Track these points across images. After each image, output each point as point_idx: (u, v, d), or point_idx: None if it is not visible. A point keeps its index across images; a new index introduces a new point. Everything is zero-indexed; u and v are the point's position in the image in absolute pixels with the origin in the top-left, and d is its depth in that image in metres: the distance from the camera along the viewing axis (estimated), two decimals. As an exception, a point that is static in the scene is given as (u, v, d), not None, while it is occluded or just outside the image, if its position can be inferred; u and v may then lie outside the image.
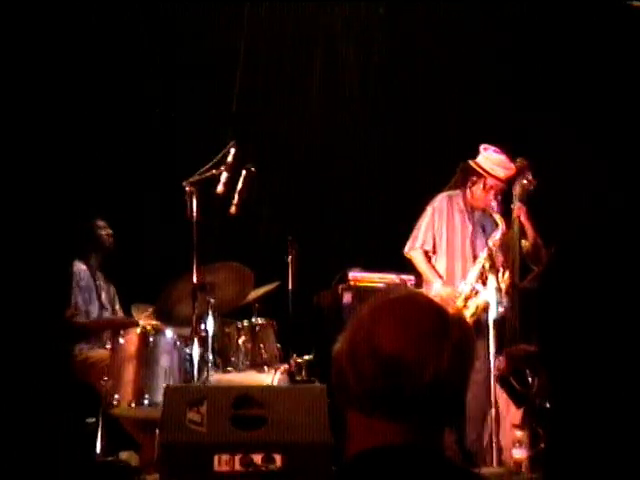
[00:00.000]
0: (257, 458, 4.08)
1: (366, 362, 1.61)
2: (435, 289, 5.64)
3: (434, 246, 5.79)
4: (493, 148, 5.73)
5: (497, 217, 5.68)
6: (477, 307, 5.51)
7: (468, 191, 5.81)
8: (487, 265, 5.41)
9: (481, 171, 5.71)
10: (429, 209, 5.83)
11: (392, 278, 6.25)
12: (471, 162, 5.77)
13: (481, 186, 5.73)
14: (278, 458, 4.09)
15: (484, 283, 5.36)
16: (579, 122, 6.49)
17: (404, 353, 1.59)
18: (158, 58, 6.96)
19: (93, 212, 5.91)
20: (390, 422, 1.61)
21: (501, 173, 5.67)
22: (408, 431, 1.61)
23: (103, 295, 5.81)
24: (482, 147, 5.76)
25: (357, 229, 6.89)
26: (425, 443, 1.62)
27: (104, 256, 5.86)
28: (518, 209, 5.56)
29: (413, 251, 5.80)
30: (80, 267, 5.73)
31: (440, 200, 5.85)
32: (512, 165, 5.65)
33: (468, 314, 5.47)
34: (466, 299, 5.56)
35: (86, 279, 5.70)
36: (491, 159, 5.71)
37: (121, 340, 5.19)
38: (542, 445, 4.85)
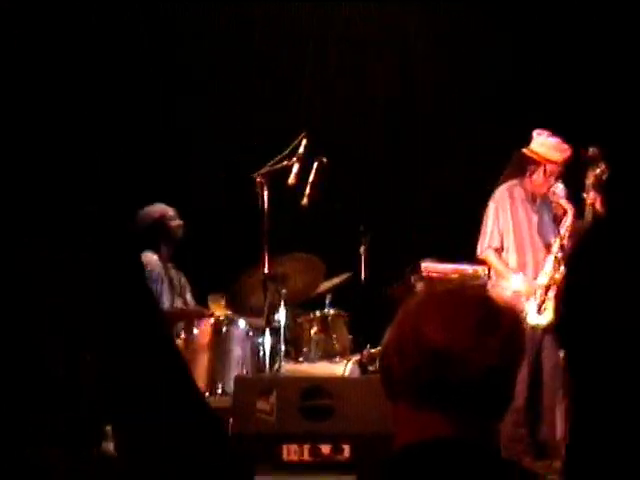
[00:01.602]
0: (325, 449, 4.10)
1: (413, 354, 1.60)
2: (514, 284, 5.56)
3: (502, 242, 5.70)
4: (546, 132, 5.61)
5: (564, 202, 5.58)
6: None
7: (528, 180, 5.70)
8: (559, 255, 5.32)
9: (537, 157, 5.59)
10: (491, 205, 5.72)
11: (465, 269, 6.20)
12: (526, 150, 5.64)
13: (541, 173, 5.61)
14: (346, 449, 4.11)
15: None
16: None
17: (451, 345, 1.58)
18: (236, 49, 7.03)
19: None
20: (437, 414, 1.60)
21: (557, 156, 5.55)
22: (455, 423, 1.59)
23: (174, 286, 5.85)
24: (535, 132, 5.63)
25: (430, 219, 6.85)
26: (473, 435, 1.60)
27: (175, 246, 5.90)
28: (592, 197, 5.44)
29: (485, 252, 5.72)
30: (151, 257, 5.76)
31: (501, 194, 5.73)
32: (567, 147, 5.53)
33: (550, 305, 5.39)
34: (546, 289, 5.48)
35: (157, 269, 5.74)
36: (546, 144, 5.59)
37: (195, 330, 5.26)
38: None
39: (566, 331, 1.11)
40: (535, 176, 5.64)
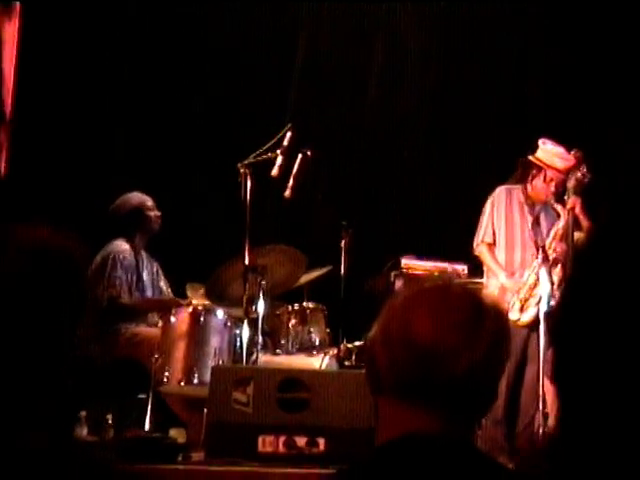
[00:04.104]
0: (301, 441, 4.10)
1: (399, 349, 1.60)
2: (500, 281, 5.64)
3: (494, 237, 5.79)
4: (551, 141, 5.73)
5: (559, 208, 5.69)
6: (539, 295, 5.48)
7: (529, 185, 5.82)
8: (540, 258, 5.38)
9: (540, 164, 5.71)
10: (488, 202, 5.85)
11: (445, 266, 6.23)
12: (530, 157, 5.77)
13: (541, 179, 5.73)
14: (322, 442, 4.11)
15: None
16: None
17: (438, 342, 1.58)
18: (220, 40, 7.02)
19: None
20: (422, 410, 1.60)
21: (560, 164, 5.67)
22: (439, 420, 1.60)
23: (144, 274, 5.81)
24: (540, 141, 5.76)
25: (411, 216, 6.87)
26: (456, 432, 1.61)
27: (149, 237, 5.87)
28: (572, 201, 5.58)
29: (478, 247, 5.81)
30: (124, 246, 5.72)
31: (499, 192, 5.86)
32: (570, 157, 5.65)
33: (533, 302, 5.47)
34: (531, 288, 5.55)
35: (130, 259, 5.70)
36: (550, 152, 5.72)
37: (172, 319, 5.24)
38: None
39: (561, 335, 1.12)
40: (535, 181, 5.77)
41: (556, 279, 5.34)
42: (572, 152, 5.65)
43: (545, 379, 4.94)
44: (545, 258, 5.26)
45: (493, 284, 5.69)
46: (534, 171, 5.76)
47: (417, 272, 6.19)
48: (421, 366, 1.59)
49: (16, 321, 1.42)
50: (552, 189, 5.71)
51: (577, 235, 5.60)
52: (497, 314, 1.67)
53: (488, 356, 1.61)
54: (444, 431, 1.60)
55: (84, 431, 4.88)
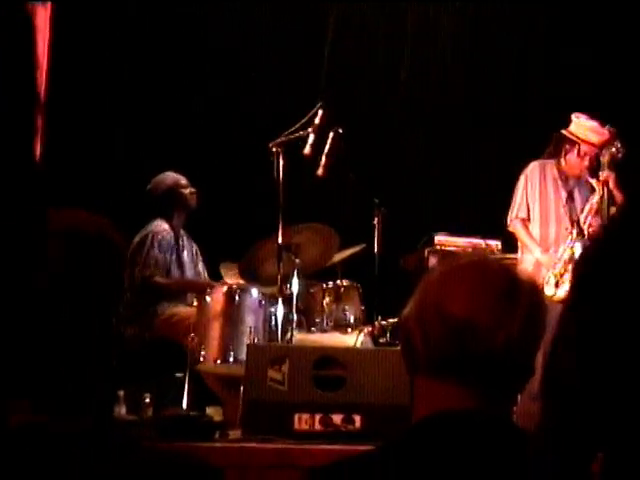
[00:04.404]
0: (337, 418, 4.12)
1: (434, 326, 1.60)
2: (535, 256, 5.62)
3: (528, 213, 5.76)
4: (584, 115, 5.68)
5: (594, 182, 5.65)
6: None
7: (562, 159, 5.78)
8: (575, 232, 5.36)
9: (574, 138, 5.67)
10: (522, 177, 5.82)
11: (478, 242, 6.21)
12: (564, 131, 5.73)
13: (575, 153, 5.70)
14: (357, 419, 4.12)
15: None
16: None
17: (473, 317, 1.58)
18: (254, 21, 7.02)
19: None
20: (458, 387, 1.61)
21: (594, 138, 5.63)
22: (476, 396, 1.60)
23: (185, 255, 5.83)
24: (574, 115, 5.72)
25: (444, 193, 6.85)
26: (492, 409, 1.61)
27: (187, 215, 5.90)
28: (606, 176, 5.53)
29: (513, 223, 5.79)
30: (163, 226, 5.74)
31: (532, 168, 5.83)
32: (605, 130, 5.59)
33: (568, 278, 5.45)
34: (566, 263, 5.54)
35: (168, 238, 5.73)
36: (584, 126, 5.67)
37: (207, 298, 5.27)
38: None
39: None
40: (569, 156, 5.73)
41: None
42: (606, 127, 5.60)
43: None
44: (580, 233, 5.23)
45: (528, 259, 5.67)
46: (567, 145, 5.72)
47: (451, 248, 6.17)
48: (456, 342, 1.59)
49: (59, 305, 1.43)
50: (586, 163, 5.68)
51: (612, 210, 5.56)
52: (532, 289, 1.66)
53: (524, 331, 1.61)
54: (480, 407, 1.60)
55: (123, 410, 4.93)
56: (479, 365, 1.59)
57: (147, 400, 5.14)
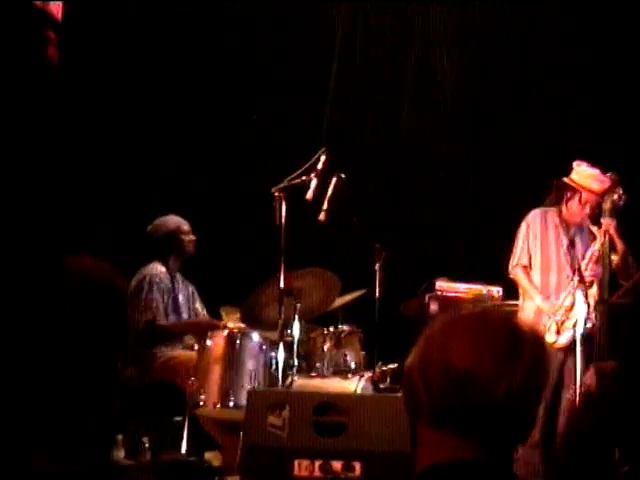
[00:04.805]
0: (337, 465, 4.10)
1: (437, 376, 1.61)
2: (536, 303, 5.63)
3: (529, 260, 5.78)
4: (586, 163, 5.72)
5: (595, 230, 5.67)
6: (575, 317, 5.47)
7: (564, 207, 5.81)
8: (576, 280, 5.36)
9: (576, 186, 5.70)
10: (523, 225, 5.84)
11: (479, 289, 6.21)
12: (565, 179, 5.77)
13: (576, 200, 5.72)
14: (358, 466, 4.10)
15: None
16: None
17: (475, 369, 1.59)
18: (259, 62, 7.08)
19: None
20: (459, 437, 1.61)
21: (595, 186, 5.65)
22: (477, 447, 1.60)
23: (180, 297, 5.84)
24: (575, 163, 5.76)
25: (445, 239, 6.87)
26: (494, 459, 1.61)
27: (183, 261, 5.91)
28: (607, 224, 5.56)
29: (514, 270, 5.81)
30: (159, 269, 5.76)
31: (534, 215, 5.86)
32: (606, 178, 5.62)
33: (570, 325, 5.45)
34: (567, 310, 5.54)
35: (166, 281, 5.74)
36: (585, 173, 5.71)
37: (208, 342, 5.26)
38: (626, 467, 4.75)
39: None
40: (570, 203, 5.76)
41: (592, 301, 5.32)
42: (608, 174, 5.63)
43: (582, 402, 4.91)
44: (581, 280, 5.24)
45: (529, 307, 5.68)
46: (569, 193, 5.75)
47: (451, 294, 6.18)
48: (458, 392, 1.60)
49: (68, 348, 1.44)
50: (587, 211, 5.70)
51: (613, 258, 5.57)
52: (535, 340, 1.67)
53: (526, 382, 1.62)
54: (482, 458, 1.60)
55: (121, 454, 4.91)
56: (481, 416, 1.59)
57: (146, 444, 5.12)
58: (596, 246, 5.65)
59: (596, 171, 5.69)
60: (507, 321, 1.68)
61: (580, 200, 5.71)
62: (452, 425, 1.60)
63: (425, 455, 1.65)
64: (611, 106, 6.87)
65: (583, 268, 5.54)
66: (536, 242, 5.79)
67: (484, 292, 6.19)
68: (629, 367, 1.30)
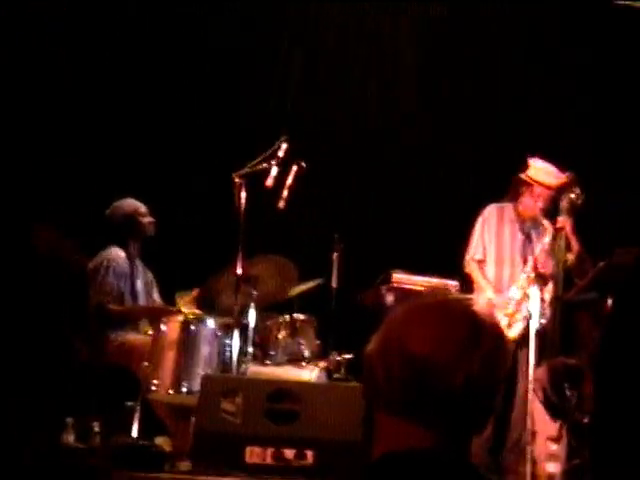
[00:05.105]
0: (289, 453, 4.10)
1: (396, 363, 1.60)
2: (488, 297, 5.67)
3: (484, 254, 5.84)
4: (540, 159, 5.78)
5: (546, 223, 5.73)
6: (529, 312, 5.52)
7: (519, 202, 5.85)
8: (532, 275, 5.41)
9: (529, 180, 5.76)
10: (479, 219, 5.92)
11: (436, 282, 6.23)
12: (521, 174, 5.82)
13: (530, 195, 5.77)
14: (310, 454, 4.11)
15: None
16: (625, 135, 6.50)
17: (434, 356, 1.59)
18: (218, 48, 7.03)
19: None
20: (417, 425, 1.60)
21: (548, 180, 5.72)
22: (435, 435, 1.60)
23: (138, 283, 5.78)
24: (530, 159, 5.80)
25: (403, 230, 6.89)
26: (451, 449, 1.61)
27: (143, 244, 5.85)
28: (563, 222, 5.61)
29: (469, 264, 5.87)
30: (118, 253, 5.71)
31: (490, 210, 5.94)
32: (560, 174, 5.68)
33: (520, 317, 5.51)
34: (518, 303, 5.59)
35: (124, 266, 5.69)
36: (539, 168, 5.79)
37: (163, 327, 5.23)
38: (577, 460, 4.81)
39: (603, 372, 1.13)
40: (524, 197, 5.80)
41: (547, 297, 5.37)
42: (566, 174, 5.68)
43: (534, 397, 4.95)
44: (537, 275, 5.29)
45: (481, 300, 5.69)
46: (523, 188, 5.82)
47: (408, 287, 6.19)
48: (417, 381, 1.59)
49: (24, 322, 1.42)
50: (540, 205, 5.76)
51: (569, 257, 5.63)
52: (495, 330, 1.67)
53: (484, 371, 1.62)
54: (440, 447, 1.59)
55: (71, 438, 4.85)
56: (439, 404, 1.59)
57: (96, 428, 5.07)
58: (546, 239, 5.70)
59: (549, 166, 5.76)
60: (467, 311, 1.68)
61: (532, 194, 5.76)
62: (410, 413, 1.60)
63: (382, 442, 1.64)
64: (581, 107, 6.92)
65: (535, 262, 5.59)
66: (491, 237, 5.85)
67: (441, 285, 6.21)
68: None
